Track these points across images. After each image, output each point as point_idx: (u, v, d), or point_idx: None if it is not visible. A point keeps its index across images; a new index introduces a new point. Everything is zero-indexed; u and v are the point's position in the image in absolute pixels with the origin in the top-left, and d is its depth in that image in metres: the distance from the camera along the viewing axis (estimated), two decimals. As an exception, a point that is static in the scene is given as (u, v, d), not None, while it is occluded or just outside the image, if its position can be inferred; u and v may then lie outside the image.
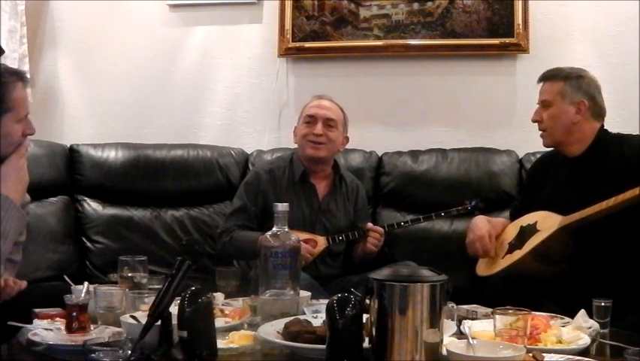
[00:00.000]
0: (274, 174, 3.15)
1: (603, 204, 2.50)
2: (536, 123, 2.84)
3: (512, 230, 2.84)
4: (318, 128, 3.10)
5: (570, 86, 2.75)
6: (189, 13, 3.97)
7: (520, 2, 3.54)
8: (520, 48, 3.57)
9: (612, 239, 2.62)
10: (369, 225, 3.12)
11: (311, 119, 3.12)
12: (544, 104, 2.80)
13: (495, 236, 2.87)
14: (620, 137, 2.80)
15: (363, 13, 3.72)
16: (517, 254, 2.71)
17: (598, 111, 2.78)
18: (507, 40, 3.57)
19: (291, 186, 3.13)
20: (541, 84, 2.84)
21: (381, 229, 3.09)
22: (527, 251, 2.67)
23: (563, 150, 2.82)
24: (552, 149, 2.91)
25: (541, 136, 2.83)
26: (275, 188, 3.11)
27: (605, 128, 2.80)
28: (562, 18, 3.57)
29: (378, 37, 3.72)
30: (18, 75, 2.32)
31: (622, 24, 3.48)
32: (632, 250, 2.59)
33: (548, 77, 2.83)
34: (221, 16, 3.93)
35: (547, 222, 2.68)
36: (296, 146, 3.24)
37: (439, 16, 3.64)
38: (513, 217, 2.94)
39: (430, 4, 3.65)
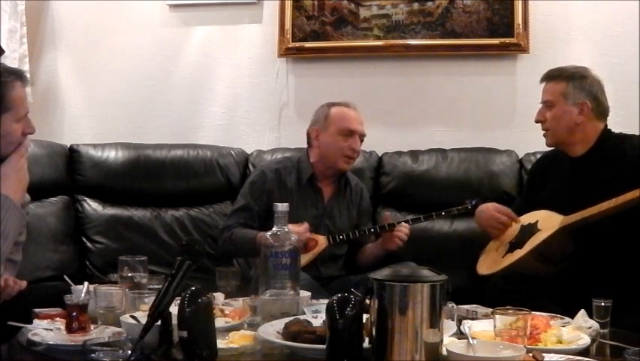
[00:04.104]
0: (280, 174, 3.14)
1: (604, 205, 2.50)
2: (539, 123, 2.83)
3: (513, 229, 2.83)
4: (358, 144, 3.12)
5: (573, 86, 2.74)
6: (189, 13, 3.98)
7: (520, 2, 3.54)
8: (520, 48, 3.57)
9: (612, 239, 2.62)
10: (388, 217, 3.09)
11: (350, 134, 3.09)
12: (547, 105, 2.80)
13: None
14: (622, 137, 2.80)
15: (363, 13, 3.72)
16: (518, 253, 2.70)
17: (601, 111, 2.77)
18: (507, 40, 3.57)
19: (297, 187, 3.13)
20: (544, 83, 2.83)
21: (406, 225, 3.05)
22: (528, 251, 2.67)
23: (565, 150, 2.81)
24: (555, 148, 2.91)
25: (544, 135, 2.83)
26: (280, 188, 3.10)
27: (608, 128, 2.80)
28: (562, 18, 3.57)
29: (378, 37, 3.72)
30: (16, 74, 2.32)
31: (622, 24, 3.48)
32: (633, 250, 2.59)
33: (551, 76, 2.81)
34: (221, 16, 3.93)
35: (548, 221, 2.68)
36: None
37: (439, 16, 3.64)
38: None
39: (430, 4, 3.65)
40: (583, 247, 2.64)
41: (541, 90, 2.84)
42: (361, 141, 3.14)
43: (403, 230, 3.03)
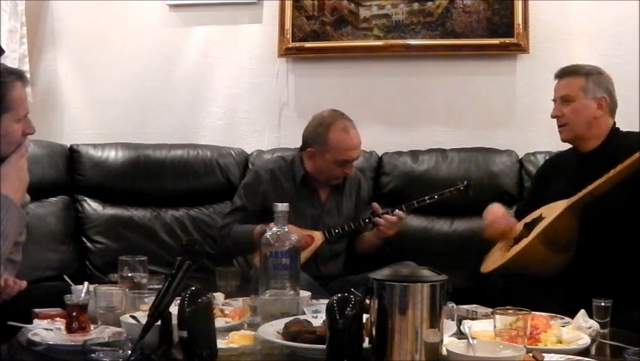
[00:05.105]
0: (275, 175, 3.14)
1: (607, 175, 2.53)
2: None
3: (516, 229, 2.83)
4: (353, 167, 3.13)
5: (592, 81, 2.79)
6: (189, 13, 3.98)
7: (520, 2, 3.54)
8: (520, 48, 3.57)
9: (613, 235, 2.64)
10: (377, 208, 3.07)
11: (347, 162, 3.08)
12: (564, 99, 2.81)
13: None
14: (629, 134, 2.83)
15: (363, 13, 3.72)
16: (525, 241, 2.68)
17: (614, 108, 2.83)
18: (507, 40, 3.57)
19: (293, 187, 3.12)
20: (557, 81, 2.86)
21: (398, 213, 3.05)
22: (535, 235, 2.65)
23: (578, 145, 2.84)
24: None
25: (561, 131, 2.84)
26: (276, 188, 3.10)
27: (616, 125, 2.83)
28: (562, 18, 3.57)
29: (378, 37, 3.72)
30: (17, 74, 2.32)
31: (622, 23, 3.48)
32: (633, 248, 2.59)
33: (569, 72, 2.85)
34: (221, 16, 3.93)
35: (552, 209, 2.69)
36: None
37: (439, 16, 3.64)
38: (518, 218, 2.92)
39: (430, 4, 3.65)
40: (582, 245, 2.64)
41: (555, 87, 2.86)
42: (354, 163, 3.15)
43: (394, 217, 3.02)
